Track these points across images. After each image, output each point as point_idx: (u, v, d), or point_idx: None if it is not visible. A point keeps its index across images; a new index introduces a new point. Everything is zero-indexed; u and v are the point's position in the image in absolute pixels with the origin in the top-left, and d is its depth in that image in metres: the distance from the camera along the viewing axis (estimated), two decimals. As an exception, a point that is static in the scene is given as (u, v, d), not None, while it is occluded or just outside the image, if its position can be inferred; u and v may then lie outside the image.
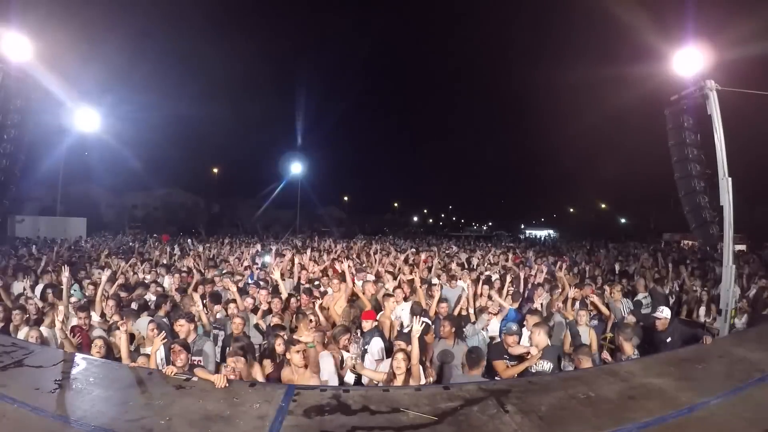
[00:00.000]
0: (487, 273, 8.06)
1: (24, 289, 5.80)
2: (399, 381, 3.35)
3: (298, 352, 3.49)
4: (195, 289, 6.07)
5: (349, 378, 3.92)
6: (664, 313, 4.57)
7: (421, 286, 5.91)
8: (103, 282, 5.37)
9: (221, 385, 2.87)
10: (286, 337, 4.10)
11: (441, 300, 5.27)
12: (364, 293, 5.67)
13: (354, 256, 11.07)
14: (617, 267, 10.36)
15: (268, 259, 10.43)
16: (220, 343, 4.57)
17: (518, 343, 4.16)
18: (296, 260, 8.04)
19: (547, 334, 4.05)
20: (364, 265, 8.85)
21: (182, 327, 4.07)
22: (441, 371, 4.11)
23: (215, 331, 4.76)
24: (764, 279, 7.02)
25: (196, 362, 3.58)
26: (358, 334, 4.34)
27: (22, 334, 4.33)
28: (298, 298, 5.60)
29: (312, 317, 4.57)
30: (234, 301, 5.08)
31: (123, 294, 5.88)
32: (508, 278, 6.13)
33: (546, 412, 2.56)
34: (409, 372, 3.40)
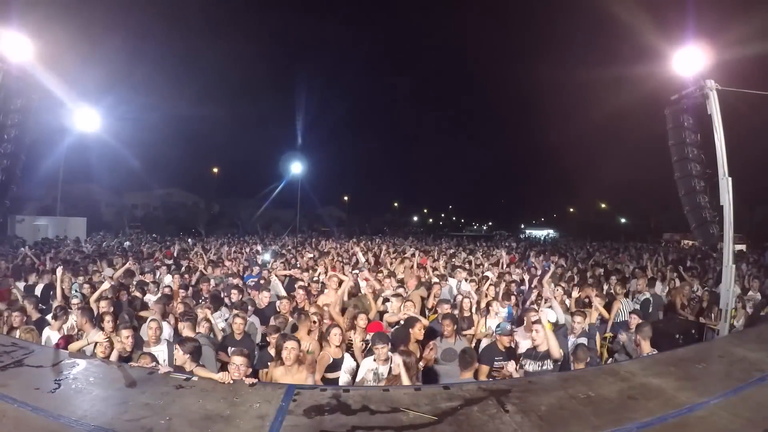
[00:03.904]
0: (486, 273, 8.08)
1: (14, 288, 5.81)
2: (402, 381, 3.32)
3: (287, 349, 3.44)
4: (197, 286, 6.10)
5: (344, 379, 3.87)
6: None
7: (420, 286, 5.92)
8: (102, 288, 5.34)
9: (227, 381, 2.87)
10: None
11: (444, 301, 5.26)
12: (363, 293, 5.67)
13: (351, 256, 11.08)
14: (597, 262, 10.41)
15: (267, 257, 10.45)
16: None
17: (513, 342, 4.16)
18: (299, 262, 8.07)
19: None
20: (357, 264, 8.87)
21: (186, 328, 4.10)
22: (444, 371, 4.10)
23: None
24: (756, 280, 7.02)
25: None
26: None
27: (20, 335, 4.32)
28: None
29: (314, 317, 4.56)
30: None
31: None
32: (503, 284, 6.17)
33: (546, 412, 2.56)
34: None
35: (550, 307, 5.06)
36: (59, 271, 5.61)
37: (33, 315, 4.95)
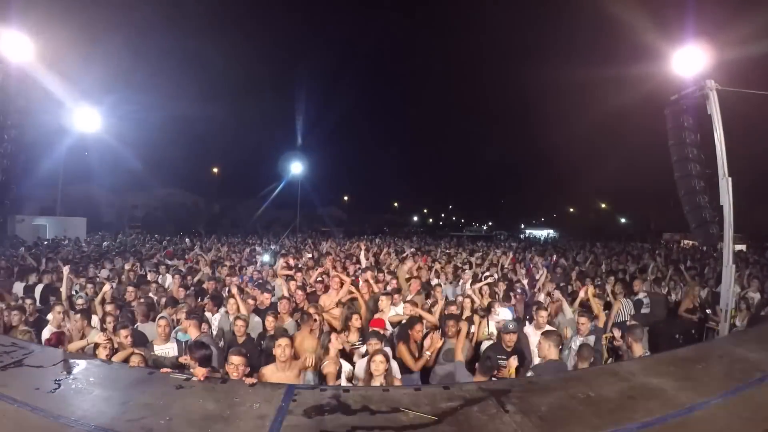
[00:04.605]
0: (486, 274, 8.07)
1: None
2: (377, 382, 3.33)
3: (280, 346, 3.44)
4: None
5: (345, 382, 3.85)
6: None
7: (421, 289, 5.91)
8: (105, 289, 5.34)
9: (200, 377, 2.89)
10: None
11: (448, 303, 5.26)
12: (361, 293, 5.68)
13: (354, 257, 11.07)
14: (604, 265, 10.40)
15: (267, 258, 10.45)
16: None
17: (517, 341, 4.16)
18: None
19: (557, 345, 3.89)
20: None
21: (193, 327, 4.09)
22: (446, 370, 4.09)
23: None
24: (756, 279, 7.01)
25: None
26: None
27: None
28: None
29: (316, 317, 4.56)
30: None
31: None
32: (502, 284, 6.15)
33: (546, 412, 2.56)
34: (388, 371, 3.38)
35: (546, 310, 5.06)
36: (66, 270, 5.62)
37: (32, 315, 4.96)
